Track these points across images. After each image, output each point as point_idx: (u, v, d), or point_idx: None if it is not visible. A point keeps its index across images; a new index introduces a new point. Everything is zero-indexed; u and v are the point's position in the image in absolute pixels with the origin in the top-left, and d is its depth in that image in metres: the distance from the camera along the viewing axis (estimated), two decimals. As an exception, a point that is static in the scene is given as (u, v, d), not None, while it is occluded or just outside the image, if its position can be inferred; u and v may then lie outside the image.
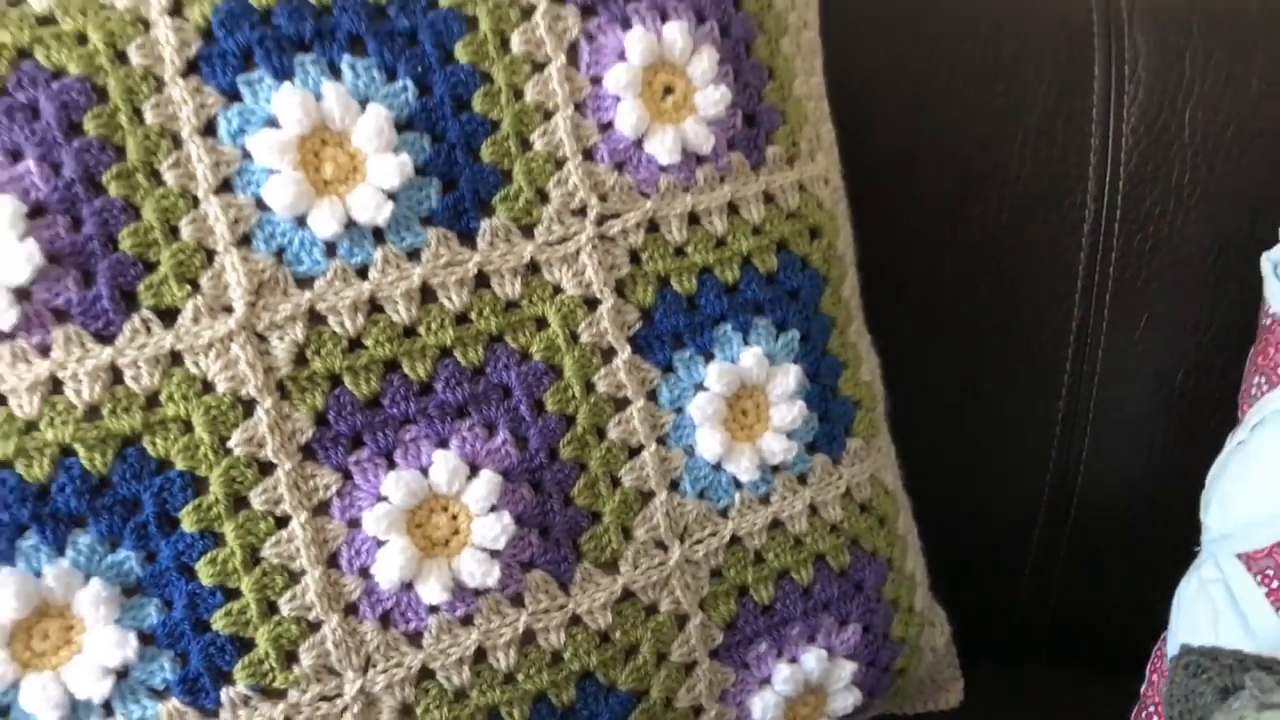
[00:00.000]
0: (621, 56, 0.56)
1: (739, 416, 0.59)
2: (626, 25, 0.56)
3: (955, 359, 0.73)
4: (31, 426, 0.48)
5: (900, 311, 0.72)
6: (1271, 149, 0.68)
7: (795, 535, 0.60)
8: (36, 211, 0.48)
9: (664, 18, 0.56)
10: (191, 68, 0.50)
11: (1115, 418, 0.73)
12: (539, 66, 0.54)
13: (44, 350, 0.48)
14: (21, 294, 0.48)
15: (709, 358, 0.58)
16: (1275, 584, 0.60)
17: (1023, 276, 0.72)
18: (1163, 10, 0.71)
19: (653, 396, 0.57)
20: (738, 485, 0.59)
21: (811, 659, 0.61)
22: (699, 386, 0.57)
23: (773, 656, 0.60)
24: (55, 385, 0.48)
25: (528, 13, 0.54)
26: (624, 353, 0.56)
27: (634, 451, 0.56)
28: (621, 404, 0.56)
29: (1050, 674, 0.80)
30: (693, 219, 0.57)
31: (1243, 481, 0.63)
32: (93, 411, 0.48)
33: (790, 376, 0.59)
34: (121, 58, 0.49)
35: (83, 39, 0.49)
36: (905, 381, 0.69)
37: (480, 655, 0.53)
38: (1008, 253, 0.71)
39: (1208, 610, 0.63)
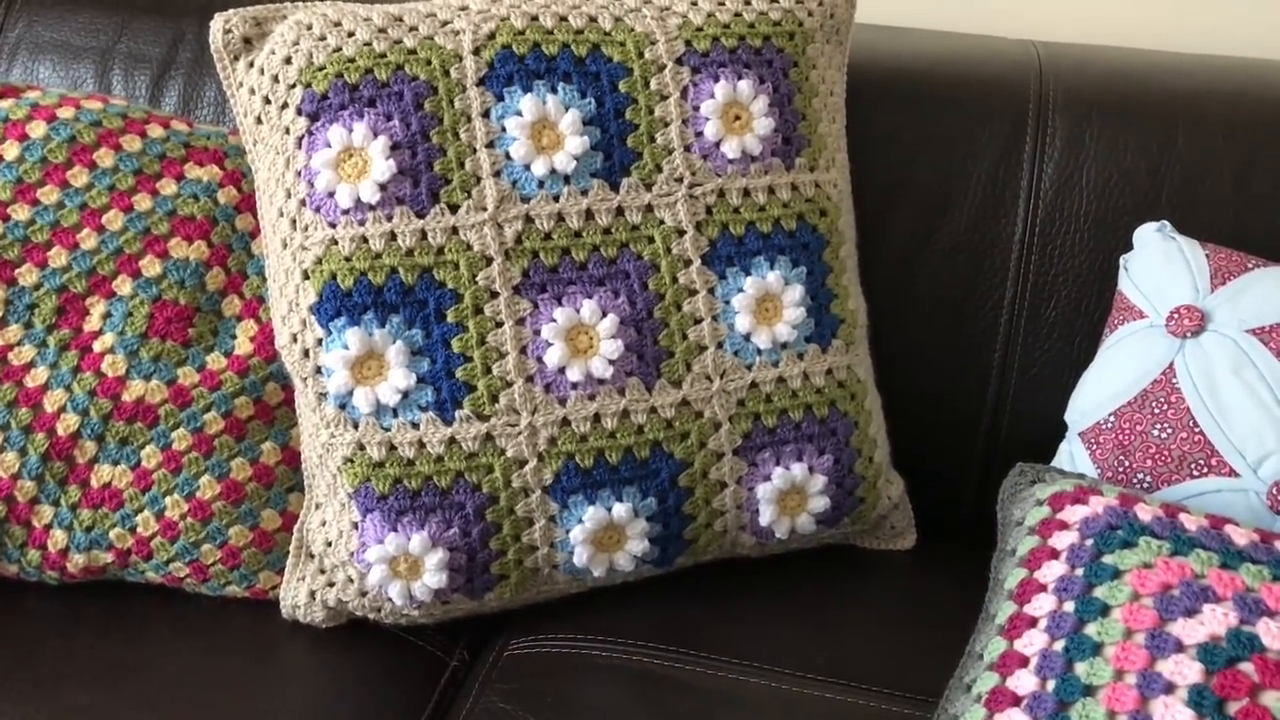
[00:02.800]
0: (712, 96, 0.97)
1: (763, 311, 0.97)
2: (717, 79, 0.97)
3: (927, 318, 1.09)
4: (378, 256, 0.91)
5: (896, 284, 1.09)
6: (1135, 194, 1.04)
7: (793, 389, 0.98)
8: (395, 146, 0.92)
9: (740, 77, 0.98)
10: (481, 81, 0.93)
11: (1032, 368, 1.08)
12: (665, 97, 0.96)
13: (389, 217, 0.91)
14: (382, 187, 0.92)
15: (748, 273, 0.97)
16: (1096, 449, 0.94)
17: (975, 267, 1.08)
18: (1073, 102, 1.08)
19: (711, 291, 0.96)
20: (759, 352, 0.97)
21: (797, 468, 0.98)
22: (740, 289, 0.97)
23: (773, 462, 0.97)
24: (392, 236, 0.91)
25: (661, 68, 0.97)
26: (697, 262, 0.96)
27: (698, 320, 0.96)
28: (693, 292, 0.96)
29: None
30: (746, 193, 0.98)
31: (1083, 387, 0.97)
32: (410, 252, 0.91)
33: (796, 291, 0.98)
34: (446, 73, 0.93)
35: (429, 61, 0.93)
36: (896, 325, 1.07)
37: (597, 418, 0.93)
38: (965, 252, 1.08)
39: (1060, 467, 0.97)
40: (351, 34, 0.95)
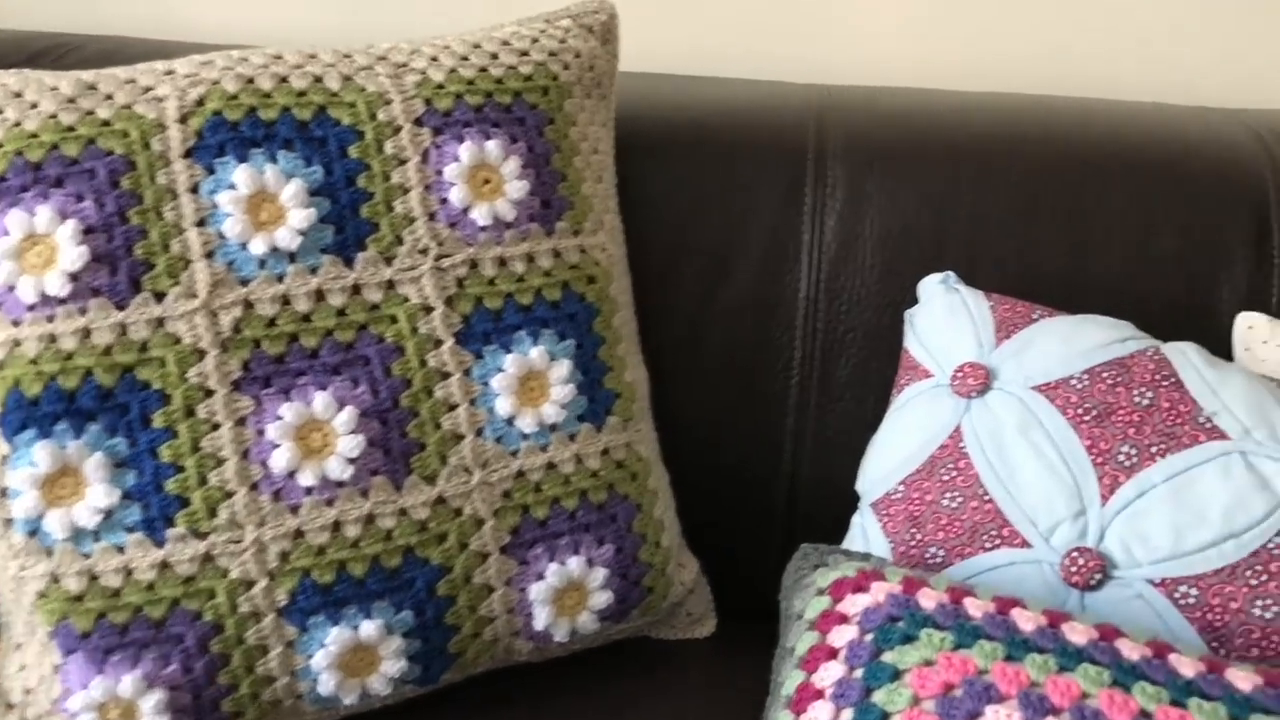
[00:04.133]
0: (456, 159, 0.88)
1: (527, 391, 0.88)
2: (461, 140, 0.89)
3: (716, 385, 1.02)
4: (69, 357, 0.79)
5: (679, 349, 1.02)
6: (920, 244, 0.99)
7: (565, 475, 0.89)
8: (88, 230, 0.81)
9: (488, 137, 0.89)
10: (188, 152, 0.83)
11: (829, 430, 1.02)
12: (403, 161, 0.87)
13: (82, 311, 0.80)
14: (73, 276, 0.80)
15: (508, 350, 0.88)
16: (887, 522, 0.87)
17: (763, 328, 1.02)
18: (853, 150, 1.03)
19: (467, 372, 0.87)
20: (525, 436, 0.88)
21: (574, 563, 0.89)
22: (499, 369, 0.88)
23: (546, 558, 0.88)
24: (87, 332, 0.80)
25: (397, 130, 0.87)
26: (449, 342, 0.87)
27: (452, 406, 0.86)
28: (445, 375, 0.86)
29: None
30: (501, 262, 0.89)
31: (872, 453, 0.91)
32: (108, 350, 0.79)
33: (564, 367, 0.89)
34: (147, 145, 0.82)
35: (127, 133, 0.82)
36: (683, 394, 1.00)
37: (337, 526, 0.82)
38: (751, 312, 1.02)
39: (853, 542, 0.90)
40: (34, 105, 0.83)
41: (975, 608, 0.72)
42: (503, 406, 0.88)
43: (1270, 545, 0.77)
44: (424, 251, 0.87)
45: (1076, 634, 0.69)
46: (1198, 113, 1.10)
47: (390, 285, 0.86)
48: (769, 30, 1.25)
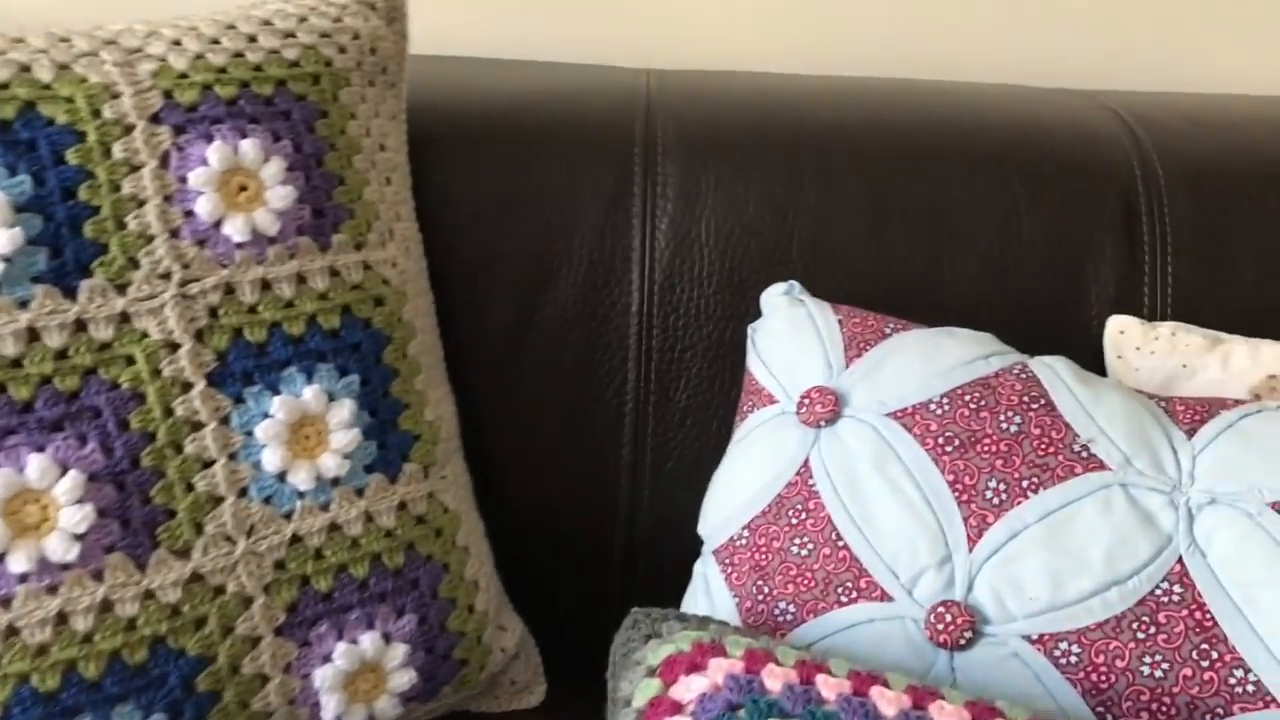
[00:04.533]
0: (204, 162, 0.73)
1: (302, 440, 0.74)
2: (209, 140, 0.74)
3: (539, 415, 0.90)
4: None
5: (494, 376, 0.89)
6: (762, 248, 0.88)
7: (352, 537, 0.75)
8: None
9: (243, 135, 0.75)
10: None
11: (669, 462, 0.90)
12: (135, 168, 0.72)
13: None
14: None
15: (275, 391, 0.74)
16: (731, 572, 0.76)
17: (590, 348, 0.89)
18: (686, 145, 0.91)
19: (225, 421, 0.72)
20: (300, 494, 0.74)
21: (367, 640, 0.75)
22: (266, 414, 0.74)
23: (333, 636, 0.74)
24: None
25: (129, 130, 0.72)
26: (200, 385, 0.72)
27: (207, 464, 0.72)
28: (197, 425, 0.72)
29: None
30: (265, 285, 0.75)
31: (714, 492, 0.80)
32: None
33: (346, 409, 0.75)
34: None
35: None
36: (500, 428, 0.87)
37: (62, 618, 0.67)
38: (576, 330, 0.89)
39: (695, 596, 0.79)
40: None
41: (829, 688, 0.61)
42: (271, 460, 0.73)
43: (1158, 592, 0.67)
44: (165, 276, 0.72)
45: (945, 717, 0.59)
46: (1056, 95, 1.01)
47: (124, 319, 0.71)
48: (589, 7, 1.13)
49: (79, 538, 0.67)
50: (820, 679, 0.61)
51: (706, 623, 0.69)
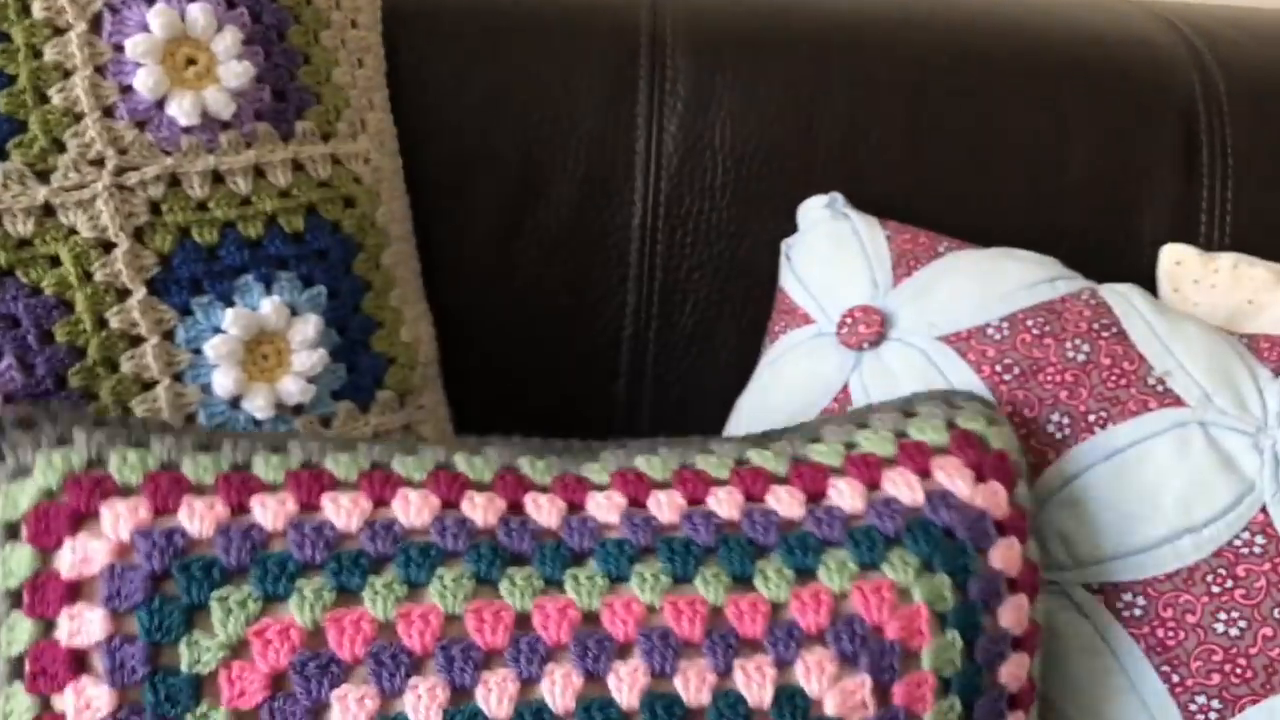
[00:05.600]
0: (145, 28, 0.62)
1: (259, 360, 0.64)
2: (151, 2, 0.62)
3: (526, 340, 0.80)
4: None
5: (478, 295, 0.80)
6: (784, 157, 0.79)
7: (316, 473, 0.65)
8: None
9: (191, -1, 0.64)
10: None
11: (670, 396, 0.81)
12: (60, 31, 0.61)
13: None
14: None
15: (228, 303, 0.63)
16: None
17: (585, 266, 0.80)
18: (699, 36, 0.81)
19: (169, 336, 0.62)
20: (256, 423, 0.64)
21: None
22: (217, 329, 0.63)
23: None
24: None
25: (54, -14, 0.61)
26: (139, 293, 0.61)
27: (148, 385, 0.62)
28: (136, 340, 0.61)
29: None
30: (217, 178, 0.64)
31: (737, 419, 0.71)
32: None
33: (310, 326, 0.65)
34: None
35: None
36: (483, 353, 0.77)
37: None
38: (570, 246, 0.80)
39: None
40: None
41: (271, 507, 0.51)
42: (223, 383, 0.62)
43: (1237, 543, 0.60)
44: (97, 162, 0.61)
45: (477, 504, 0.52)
46: (1119, 8, 0.92)
47: (46, 211, 0.59)
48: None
49: (-8, 468, 0.57)
50: (255, 500, 0.52)
51: (82, 421, 0.54)
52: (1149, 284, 0.80)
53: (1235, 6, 0.96)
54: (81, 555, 0.49)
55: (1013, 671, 0.55)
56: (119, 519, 0.49)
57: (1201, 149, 0.82)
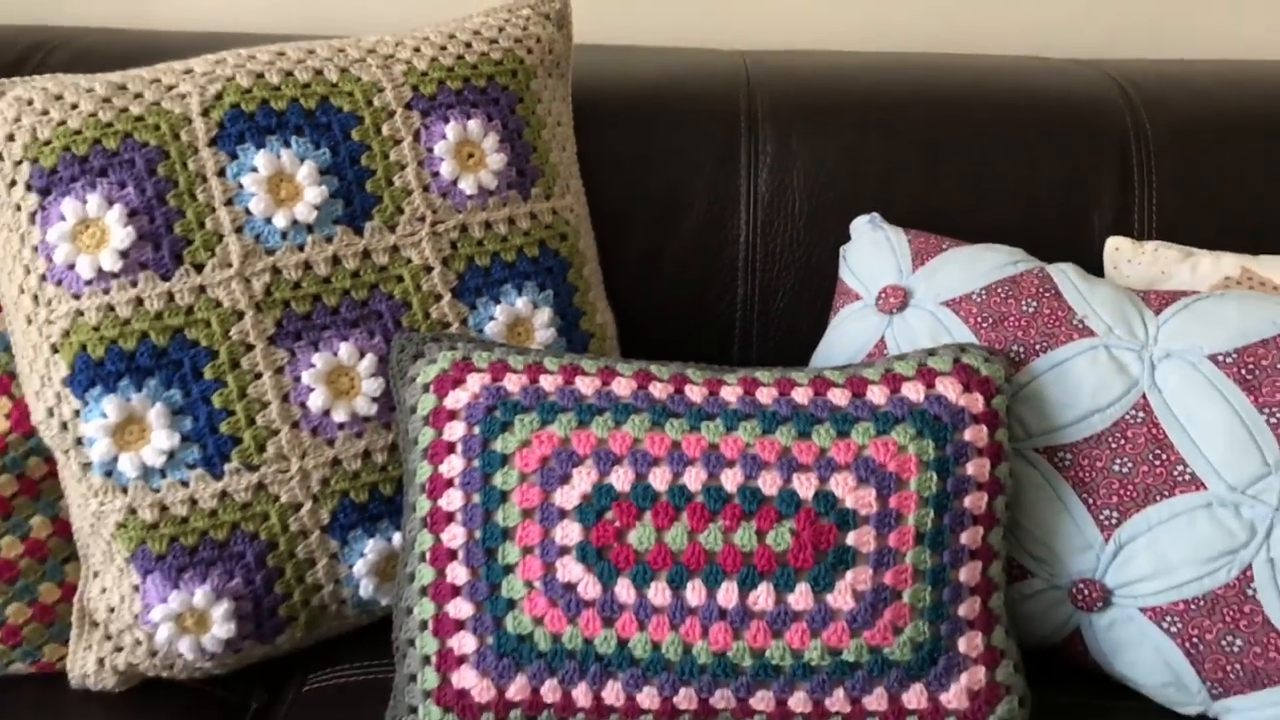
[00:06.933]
0: (444, 137, 1.02)
1: (516, 335, 1.03)
2: (446, 121, 1.02)
3: (669, 321, 1.18)
4: (126, 322, 0.92)
5: (637, 294, 1.18)
6: (840, 192, 1.16)
7: (551, 404, 1.04)
8: (132, 213, 0.93)
9: (469, 117, 1.03)
10: (213, 141, 0.95)
11: (768, 358, 1.18)
12: (398, 141, 1.01)
13: (134, 283, 0.93)
14: (123, 254, 0.93)
15: (497, 301, 1.03)
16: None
17: (708, 271, 1.17)
18: (780, 112, 1.18)
19: (464, 322, 1.01)
20: (516, 373, 1.03)
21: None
22: (492, 317, 1.02)
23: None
24: (139, 301, 0.92)
25: (391, 114, 1.01)
26: (447, 296, 1.01)
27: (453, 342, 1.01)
28: (446, 325, 1.01)
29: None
30: (487, 225, 1.03)
31: (814, 362, 1.08)
32: (158, 315, 0.92)
33: (545, 314, 1.04)
34: (177, 136, 0.95)
35: (158, 126, 0.95)
36: (641, 331, 1.16)
37: (367, 454, 0.97)
38: (697, 258, 1.17)
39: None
40: (75, 106, 0.95)
41: (549, 381, 0.92)
42: (496, 348, 1.03)
43: (1126, 417, 0.95)
44: (421, 219, 1.01)
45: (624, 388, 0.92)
46: (1067, 64, 1.28)
47: (395, 249, 1.00)
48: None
49: (375, 400, 0.97)
50: (542, 378, 0.92)
51: (456, 341, 0.97)
52: (1097, 264, 1.15)
53: (1162, 61, 1.30)
54: (456, 398, 0.91)
55: (974, 501, 0.91)
56: (474, 381, 0.91)
57: (1134, 170, 1.17)
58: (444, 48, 1.06)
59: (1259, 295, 0.99)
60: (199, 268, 0.94)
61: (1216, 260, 1.10)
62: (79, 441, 0.93)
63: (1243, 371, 0.93)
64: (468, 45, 1.07)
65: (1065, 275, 1.03)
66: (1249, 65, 1.31)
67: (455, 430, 0.91)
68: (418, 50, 1.05)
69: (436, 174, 1.02)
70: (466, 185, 1.03)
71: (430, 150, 1.02)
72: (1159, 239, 1.15)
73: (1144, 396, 0.95)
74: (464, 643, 0.88)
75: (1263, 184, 1.15)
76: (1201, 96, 1.21)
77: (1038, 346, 0.98)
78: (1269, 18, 1.42)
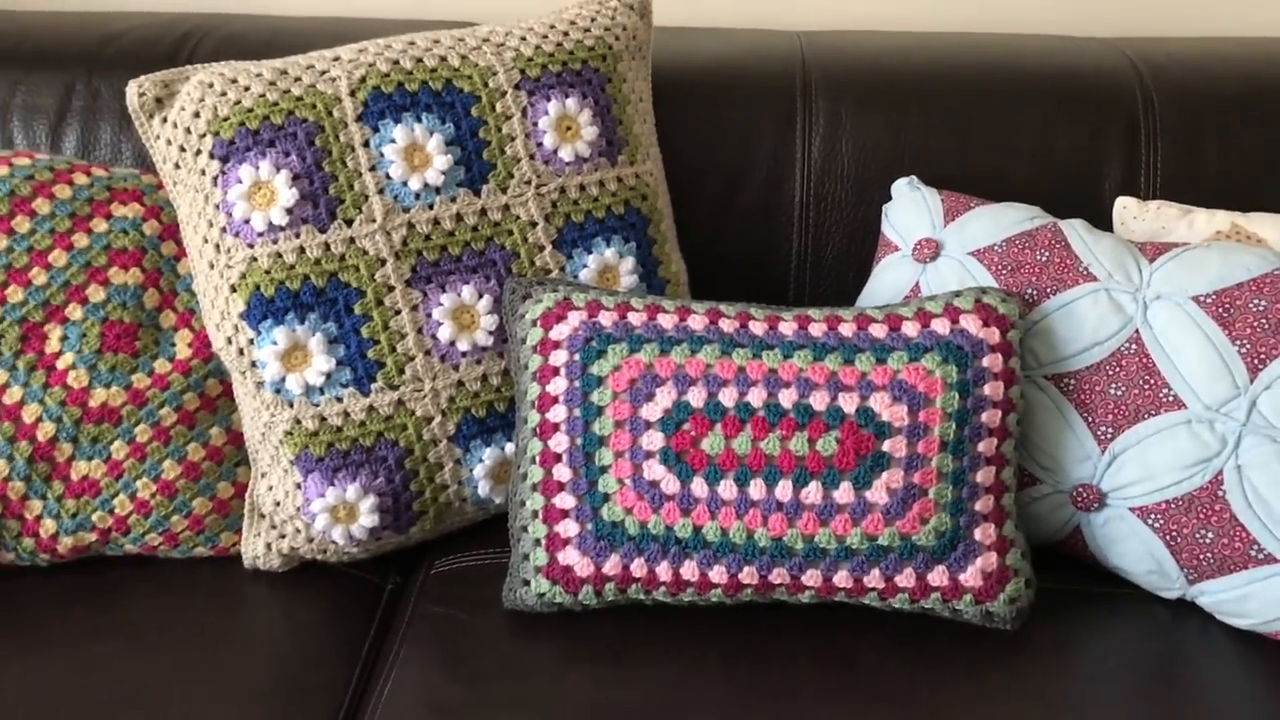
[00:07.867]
0: (546, 113, 1.21)
1: (605, 280, 1.23)
2: (549, 99, 1.21)
3: (734, 270, 1.36)
4: (291, 267, 1.12)
5: (708, 246, 1.36)
6: (883, 157, 1.33)
7: (635, 338, 1.23)
8: (296, 177, 1.13)
9: (567, 96, 1.22)
10: (359, 117, 1.15)
11: (820, 303, 1.35)
12: (509, 117, 1.20)
13: (297, 235, 1.13)
14: (288, 211, 1.13)
15: (590, 252, 1.22)
16: (868, 359, 1.22)
17: (768, 228, 1.36)
18: (831, 86, 1.36)
19: (562, 269, 1.21)
20: (605, 312, 1.22)
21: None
22: (585, 265, 1.21)
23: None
24: (302, 250, 1.13)
25: (503, 94, 1.20)
26: (549, 247, 1.20)
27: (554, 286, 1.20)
28: (547, 271, 1.21)
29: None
30: (582, 188, 1.22)
31: (863, 301, 1.26)
32: (318, 261, 1.13)
33: (629, 262, 1.23)
34: (330, 113, 1.14)
35: (314, 105, 1.14)
36: (710, 280, 1.34)
37: (484, 378, 1.17)
38: (758, 216, 1.36)
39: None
40: (247, 88, 1.15)
41: (635, 317, 1.11)
42: (590, 290, 1.22)
43: (1121, 349, 1.12)
44: (528, 182, 1.20)
45: (707, 319, 1.11)
46: (1085, 42, 1.44)
47: (506, 208, 1.19)
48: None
49: (492, 333, 1.18)
50: (630, 314, 1.11)
51: (557, 284, 1.16)
52: (1107, 220, 1.32)
53: (1172, 39, 1.46)
54: (558, 330, 1.11)
55: (990, 417, 1.09)
56: (573, 317, 1.11)
57: (1141, 137, 1.34)
58: (545, 36, 1.24)
59: (1239, 246, 1.16)
60: (349, 222, 1.14)
61: (1211, 217, 1.26)
62: (253, 364, 1.14)
63: (1220, 310, 1.10)
64: (565, 34, 1.25)
65: (1074, 229, 1.20)
66: (1250, 42, 1.47)
67: (559, 357, 1.11)
68: (524, 39, 1.24)
69: (540, 144, 1.21)
70: (565, 154, 1.21)
71: (535, 124, 1.21)
72: (1162, 199, 1.32)
73: (1137, 332, 1.12)
74: (568, 528, 1.08)
75: (1255, 150, 1.31)
76: (1204, 71, 1.37)
77: (1048, 290, 1.16)
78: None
